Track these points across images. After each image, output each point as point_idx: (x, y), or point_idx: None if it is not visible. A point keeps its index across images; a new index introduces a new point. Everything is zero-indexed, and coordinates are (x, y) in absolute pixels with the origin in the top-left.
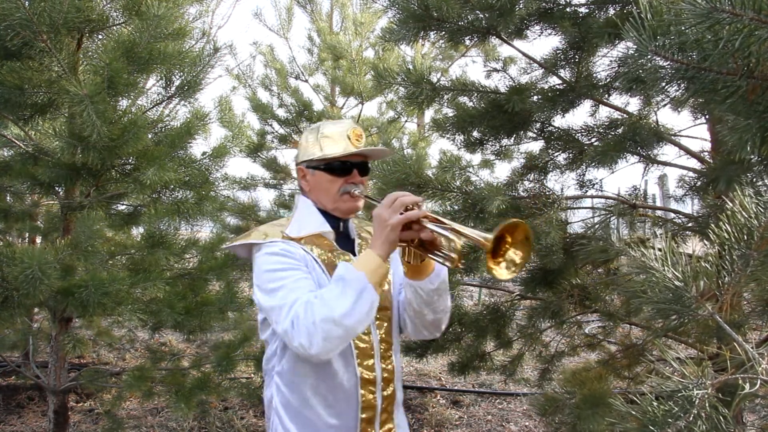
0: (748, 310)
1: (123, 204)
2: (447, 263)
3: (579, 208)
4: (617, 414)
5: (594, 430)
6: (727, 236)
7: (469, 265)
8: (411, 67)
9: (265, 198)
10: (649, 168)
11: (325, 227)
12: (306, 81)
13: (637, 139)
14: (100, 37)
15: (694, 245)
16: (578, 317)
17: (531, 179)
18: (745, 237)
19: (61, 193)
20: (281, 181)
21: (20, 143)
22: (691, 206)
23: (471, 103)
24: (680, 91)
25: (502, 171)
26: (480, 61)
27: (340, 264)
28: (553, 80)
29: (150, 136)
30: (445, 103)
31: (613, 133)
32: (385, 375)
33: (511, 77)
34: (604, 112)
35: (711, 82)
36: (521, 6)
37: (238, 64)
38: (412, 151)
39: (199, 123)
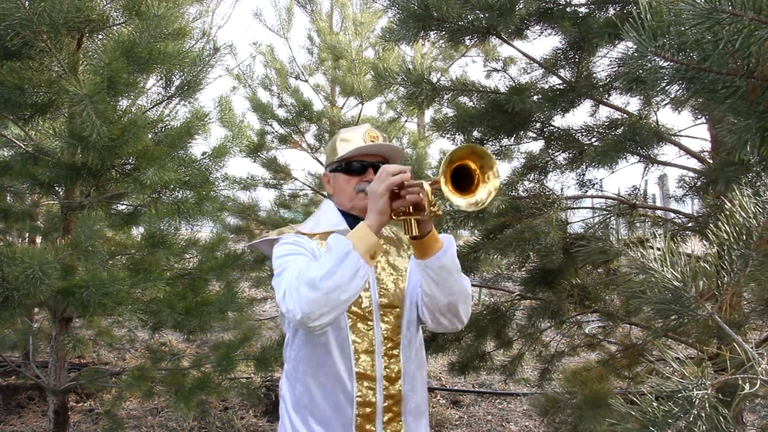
0: (748, 310)
1: (123, 204)
2: (433, 217)
3: (579, 208)
4: (617, 414)
5: (595, 430)
6: (726, 236)
7: (469, 265)
8: (411, 67)
9: (265, 198)
10: (649, 168)
11: (341, 225)
12: (306, 81)
13: (637, 139)
14: (100, 37)
15: (694, 245)
16: (578, 317)
17: (531, 179)
18: (744, 237)
19: (61, 193)
20: (281, 181)
21: (20, 143)
22: (691, 206)
23: (471, 103)
24: (680, 91)
25: (502, 171)
26: (480, 61)
27: (331, 236)
28: (553, 80)
29: (150, 136)
30: (445, 103)
31: (613, 133)
32: (387, 373)
33: (511, 77)
34: (604, 112)
35: (711, 83)
36: (521, 6)
37: (238, 64)
38: (412, 151)
39: (199, 123)
